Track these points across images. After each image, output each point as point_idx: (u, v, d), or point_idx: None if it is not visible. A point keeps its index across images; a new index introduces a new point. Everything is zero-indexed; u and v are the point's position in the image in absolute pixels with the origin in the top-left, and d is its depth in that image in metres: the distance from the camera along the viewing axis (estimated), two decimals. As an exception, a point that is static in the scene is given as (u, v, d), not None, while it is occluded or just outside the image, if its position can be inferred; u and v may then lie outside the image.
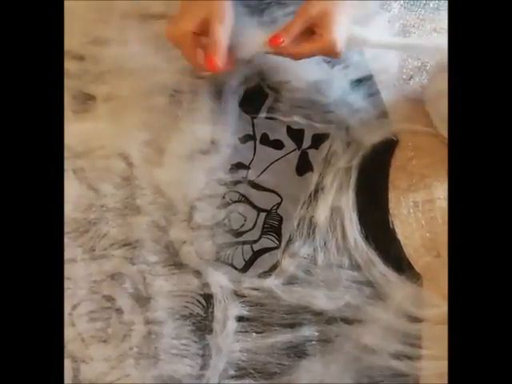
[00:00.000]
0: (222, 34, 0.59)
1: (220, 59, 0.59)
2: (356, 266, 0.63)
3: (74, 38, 0.71)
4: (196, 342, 0.61)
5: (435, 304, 0.61)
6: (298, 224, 0.65)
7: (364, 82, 0.71)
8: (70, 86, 0.70)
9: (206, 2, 0.60)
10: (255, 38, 0.63)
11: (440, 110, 0.66)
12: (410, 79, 0.72)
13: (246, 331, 0.61)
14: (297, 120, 0.69)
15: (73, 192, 0.66)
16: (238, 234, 0.65)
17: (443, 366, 0.59)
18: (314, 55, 0.62)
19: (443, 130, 0.67)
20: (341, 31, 0.59)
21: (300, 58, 0.63)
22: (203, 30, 0.60)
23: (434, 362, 0.59)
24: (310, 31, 0.61)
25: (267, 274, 0.63)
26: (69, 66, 0.71)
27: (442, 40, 0.70)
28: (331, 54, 0.62)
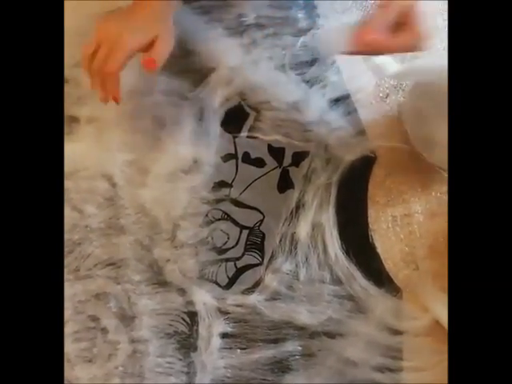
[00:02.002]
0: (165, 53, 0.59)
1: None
2: (337, 281, 0.64)
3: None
4: (181, 359, 0.61)
5: (415, 316, 0.62)
6: (280, 240, 0.66)
7: (342, 100, 0.72)
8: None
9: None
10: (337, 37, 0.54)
11: (416, 127, 0.68)
12: (386, 97, 0.74)
13: (231, 348, 0.61)
14: (277, 139, 0.71)
15: (57, 213, 0.66)
16: (222, 251, 0.66)
17: (424, 377, 0.61)
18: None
19: (419, 146, 0.69)
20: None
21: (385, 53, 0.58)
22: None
23: (415, 374, 0.61)
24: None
25: (250, 290, 0.64)
26: (53, 88, 0.72)
27: (419, 62, 0.73)
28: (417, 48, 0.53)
